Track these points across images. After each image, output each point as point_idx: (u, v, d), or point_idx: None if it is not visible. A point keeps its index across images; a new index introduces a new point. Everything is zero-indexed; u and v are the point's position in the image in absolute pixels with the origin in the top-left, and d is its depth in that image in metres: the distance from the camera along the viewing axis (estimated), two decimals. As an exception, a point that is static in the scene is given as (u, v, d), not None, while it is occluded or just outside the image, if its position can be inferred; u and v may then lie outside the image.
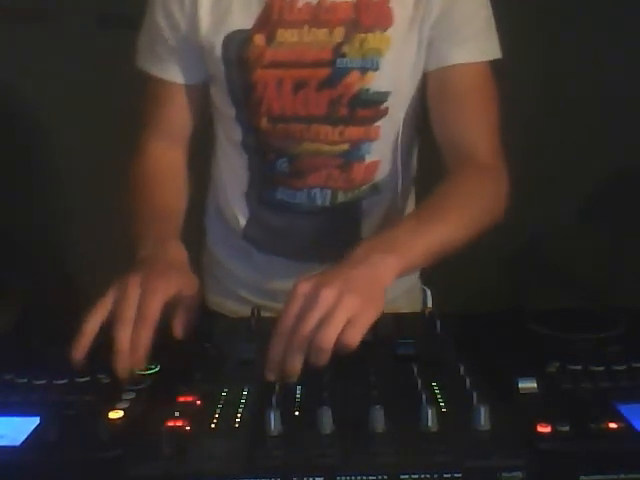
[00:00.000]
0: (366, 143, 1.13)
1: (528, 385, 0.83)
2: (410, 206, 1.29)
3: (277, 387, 0.81)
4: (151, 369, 0.91)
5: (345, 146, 1.12)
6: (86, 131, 2.44)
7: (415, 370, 0.87)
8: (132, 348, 0.86)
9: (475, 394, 0.78)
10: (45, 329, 1.02)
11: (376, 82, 1.07)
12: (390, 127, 1.13)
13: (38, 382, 0.89)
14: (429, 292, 1.06)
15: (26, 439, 0.76)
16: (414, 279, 1.31)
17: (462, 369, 0.87)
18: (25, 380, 0.89)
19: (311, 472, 0.70)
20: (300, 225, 1.21)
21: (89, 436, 0.75)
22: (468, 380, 0.83)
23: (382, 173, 1.17)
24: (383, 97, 1.09)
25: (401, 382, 0.86)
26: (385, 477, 0.69)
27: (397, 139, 1.16)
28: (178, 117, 1.20)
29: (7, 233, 2.47)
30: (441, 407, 0.80)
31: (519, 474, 0.69)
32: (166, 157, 1.21)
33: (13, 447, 0.75)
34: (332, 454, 0.72)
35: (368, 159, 1.14)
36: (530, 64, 2.62)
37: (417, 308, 1.09)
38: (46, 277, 2.53)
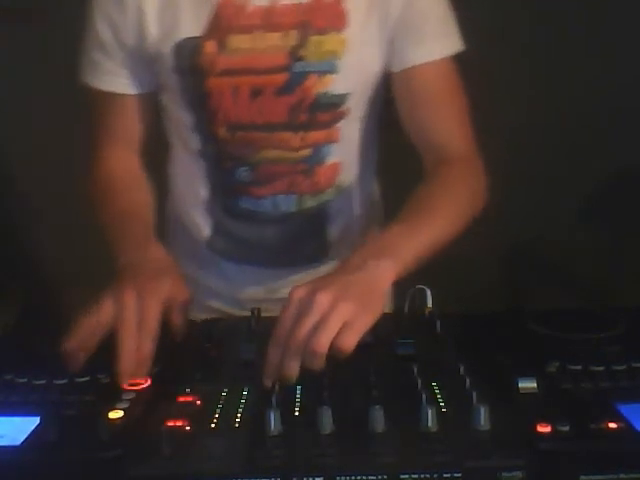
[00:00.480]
0: (327, 146, 1.11)
1: (528, 385, 0.83)
2: (376, 205, 1.28)
3: (277, 387, 0.81)
4: (151, 369, 0.91)
5: (307, 151, 1.11)
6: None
7: (415, 370, 0.87)
8: (138, 355, 0.85)
9: (475, 394, 0.78)
10: (45, 329, 1.02)
11: (335, 85, 1.05)
12: (350, 128, 1.12)
13: (38, 382, 0.88)
14: (429, 292, 1.06)
15: (26, 439, 0.76)
16: None
17: (462, 369, 0.87)
18: (25, 380, 0.89)
19: (311, 472, 0.70)
20: (266, 232, 1.19)
21: (89, 436, 0.75)
22: (468, 380, 0.83)
23: (344, 173, 1.16)
24: (342, 99, 1.07)
25: (401, 382, 0.86)
26: (385, 477, 0.69)
27: (356, 139, 1.14)
28: (131, 125, 1.17)
29: (7, 233, 2.47)
30: (441, 407, 0.80)
31: (519, 474, 0.69)
32: (124, 163, 1.17)
33: (13, 447, 0.75)
34: (332, 454, 0.72)
35: (329, 161, 1.13)
36: (531, 64, 2.62)
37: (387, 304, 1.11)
38: (46, 277, 2.53)
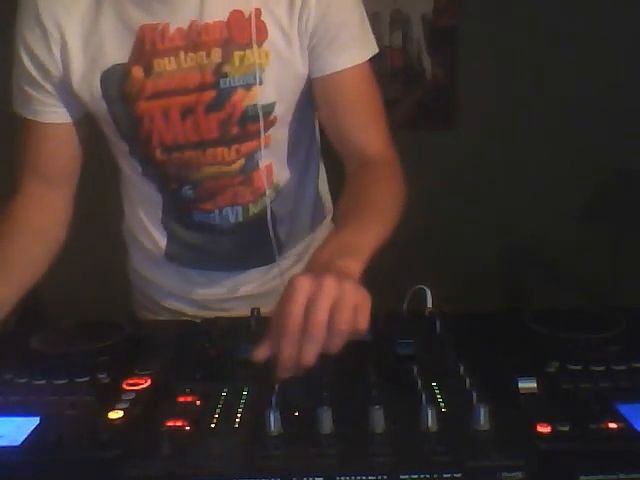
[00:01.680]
0: (259, 152, 1.14)
1: (528, 385, 0.83)
2: (325, 205, 1.31)
3: (277, 387, 0.81)
4: (151, 369, 0.91)
5: (241, 161, 1.14)
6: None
7: (415, 370, 0.87)
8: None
9: (475, 394, 0.78)
10: (45, 329, 1.02)
11: (262, 95, 1.08)
12: (279, 132, 1.14)
13: (38, 382, 0.89)
14: (429, 292, 1.06)
15: (26, 439, 0.76)
16: None
17: (462, 369, 0.87)
18: (25, 380, 0.89)
19: (311, 472, 0.70)
20: (220, 241, 1.23)
21: (89, 436, 0.75)
22: (468, 380, 0.83)
23: (278, 173, 1.18)
24: (270, 108, 1.10)
25: (401, 382, 0.86)
26: (385, 477, 0.69)
27: (285, 139, 1.17)
28: (57, 157, 1.16)
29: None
30: (441, 407, 0.80)
31: (519, 474, 0.69)
32: (33, 208, 1.15)
33: (13, 447, 0.75)
34: (332, 454, 0.72)
35: (263, 164, 1.16)
36: (531, 64, 2.62)
37: None
38: (46, 277, 2.53)
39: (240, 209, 1.19)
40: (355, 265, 0.85)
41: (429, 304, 1.06)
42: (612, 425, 0.75)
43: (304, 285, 0.78)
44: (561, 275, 2.76)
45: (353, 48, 1.10)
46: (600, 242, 2.72)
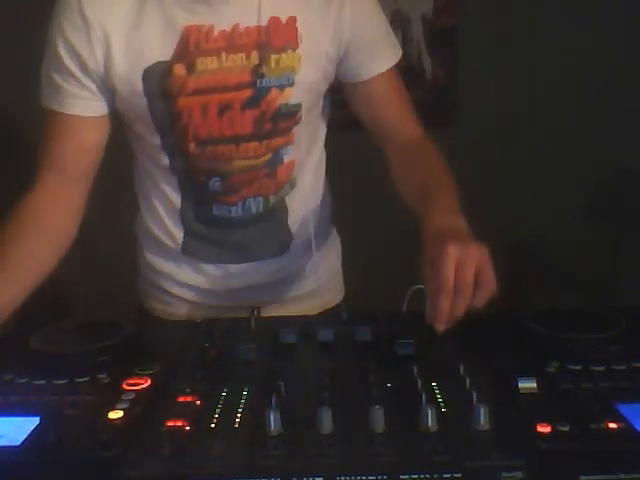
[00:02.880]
0: (284, 148, 1.23)
1: (528, 385, 0.83)
2: (328, 204, 1.39)
3: (281, 386, 0.81)
4: (151, 369, 0.92)
5: (268, 155, 1.22)
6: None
7: (415, 370, 0.87)
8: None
9: (475, 394, 0.78)
10: (45, 329, 1.02)
11: (293, 96, 1.17)
12: (302, 130, 1.24)
13: (38, 382, 0.89)
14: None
15: (26, 439, 0.76)
16: (337, 266, 1.45)
17: (462, 369, 0.87)
18: (25, 380, 0.89)
19: (311, 472, 0.70)
20: (236, 234, 1.28)
21: (89, 436, 0.75)
22: (468, 380, 0.83)
23: (297, 168, 1.28)
24: (298, 108, 1.20)
25: (401, 382, 0.86)
26: (385, 477, 0.69)
27: (305, 138, 1.27)
28: (78, 151, 1.18)
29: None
30: (441, 407, 0.80)
31: (519, 474, 0.69)
32: (48, 201, 1.17)
33: (13, 447, 0.75)
34: (332, 454, 0.72)
35: (286, 160, 1.25)
36: (531, 65, 2.62)
37: (341, 293, 1.41)
38: (46, 277, 2.53)
39: (262, 199, 1.26)
40: (462, 220, 1.04)
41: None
42: (612, 425, 0.75)
43: (453, 252, 0.93)
44: (561, 275, 2.76)
45: (386, 52, 1.25)
46: (600, 242, 2.72)
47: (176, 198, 1.26)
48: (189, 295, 1.34)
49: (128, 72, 1.11)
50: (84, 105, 1.15)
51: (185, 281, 1.33)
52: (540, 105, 2.63)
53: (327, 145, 1.35)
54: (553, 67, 2.62)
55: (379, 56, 1.24)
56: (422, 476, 0.69)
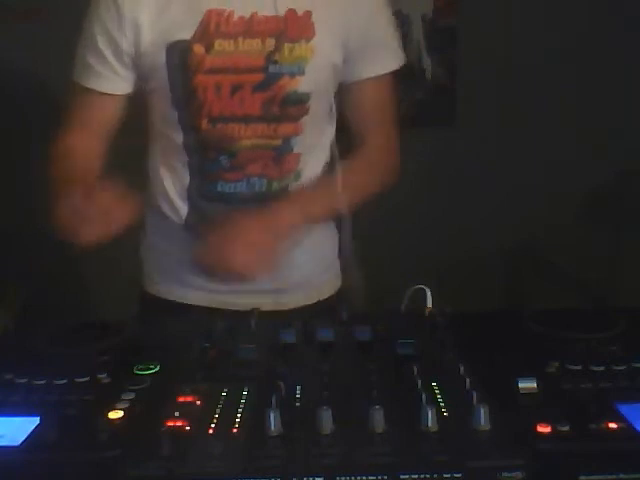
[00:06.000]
0: (294, 138, 1.29)
1: (528, 385, 0.83)
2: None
3: (279, 387, 0.81)
4: (151, 369, 0.92)
5: (278, 141, 1.29)
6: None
7: (415, 370, 0.87)
8: None
9: (475, 394, 0.78)
10: (45, 329, 1.02)
11: (302, 84, 1.24)
12: (310, 123, 1.29)
13: (38, 382, 0.89)
14: (429, 292, 1.06)
15: (26, 439, 0.76)
16: (332, 257, 1.47)
17: (462, 369, 0.87)
18: (25, 380, 0.89)
19: (311, 472, 0.70)
20: (238, 211, 1.32)
21: (89, 436, 0.75)
22: (468, 380, 0.83)
23: (303, 162, 1.34)
24: (307, 97, 1.26)
25: (401, 382, 0.86)
26: (385, 477, 0.69)
27: (313, 134, 1.32)
28: (104, 119, 1.32)
29: (7, 233, 2.47)
30: (441, 407, 0.80)
31: (519, 474, 0.69)
32: (80, 146, 1.30)
33: (13, 447, 0.75)
34: (332, 454, 0.72)
35: (295, 151, 1.31)
36: (532, 67, 2.62)
37: (337, 285, 1.42)
38: (46, 277, 2.53)
39: (265, 181, 1.31)
40: (285, 208, 1.18)
41: (429, 304, 1.06)
42: (612, 425, 0.75)
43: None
44: (561, 275, 2.76)
45: (386, 58, 1.31)
46: (600, 242, 2.72)
47: (185, 175, 1.33)
48: (191, 278, 1.35)
49: (153, 46, 1.22)
50: (111, 82, 1.26)
51: (186, 262, 1.33)
52: (540, 105, 2.63)
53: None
54: (553, 67, 2.62)
55: (379, 59, 1.30)
56: (422, 476, 0.69)
